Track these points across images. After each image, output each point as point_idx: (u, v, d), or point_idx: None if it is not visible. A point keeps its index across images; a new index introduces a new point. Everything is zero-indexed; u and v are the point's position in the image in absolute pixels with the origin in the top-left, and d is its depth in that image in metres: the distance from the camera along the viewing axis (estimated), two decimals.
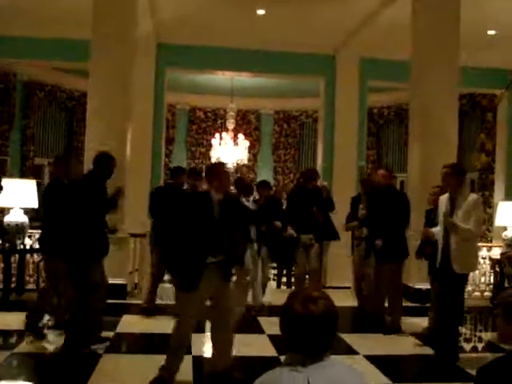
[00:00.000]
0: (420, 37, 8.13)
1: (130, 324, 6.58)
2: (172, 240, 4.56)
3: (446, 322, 5.30)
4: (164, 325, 6.60)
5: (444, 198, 5.44)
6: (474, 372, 2.10)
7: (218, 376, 4.48)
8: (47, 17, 8.77)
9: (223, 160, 12.92)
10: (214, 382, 4.47)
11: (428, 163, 7.86)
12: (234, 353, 4.80)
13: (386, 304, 6.65)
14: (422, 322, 6.70)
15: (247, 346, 5.24)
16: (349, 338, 6.05)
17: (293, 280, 7.90)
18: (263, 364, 4.62)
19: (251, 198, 7.27)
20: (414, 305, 7.80)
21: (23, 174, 11.14)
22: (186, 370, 4.89)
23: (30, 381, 4.49)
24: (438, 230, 5.45)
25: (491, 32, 9.23)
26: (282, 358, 4.28)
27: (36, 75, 11.87)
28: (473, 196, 5.39)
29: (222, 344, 4.60)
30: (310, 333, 1.83)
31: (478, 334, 6.62)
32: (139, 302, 7.40)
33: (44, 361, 5.06)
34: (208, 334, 6.31)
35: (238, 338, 5.05)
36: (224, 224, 4.52)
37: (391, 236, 6.44)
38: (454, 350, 5.34)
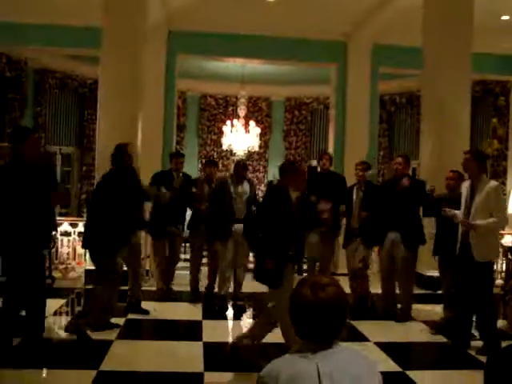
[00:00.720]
0: (432, 23, 8.01)
1: None
2: (257, 237, 4.66)
3: (470, 313, 5.27)
4: (175, 311, 6.68)
5: (466, 185, 5.38)
6: (484, 359, 2.10)
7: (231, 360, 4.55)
8: (59, 4, 8.75)
9: (236, 147, 12.96)
10: (225, 366, 4.52)
11: (440, 150, 7.80)
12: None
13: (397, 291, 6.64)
14: (434, 310, 6.69)
15: None
16: (359, 325, 6.05)
17: (304, 267, 7.89)
18: (277, 350, 4.63)
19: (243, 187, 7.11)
20: (425, 292, 7.80)
21: None
22: (196, 354, 4.94)
23: (42, 366, 4.53)
24: (459, 213, 5.36)
25: (505, 17, 9.09)
26: None
27: (47, 62, 11.86)
28: (492, 183, 5.21)
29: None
30: (320, 320, 1.83)
31: None
32: (151, 288, 7.46)
33: (57, 346, 5.12)
34: (218, 321, 6.40)
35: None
36: (299, 221, 4.64)
37: (412, 225, 6.32)
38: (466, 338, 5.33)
